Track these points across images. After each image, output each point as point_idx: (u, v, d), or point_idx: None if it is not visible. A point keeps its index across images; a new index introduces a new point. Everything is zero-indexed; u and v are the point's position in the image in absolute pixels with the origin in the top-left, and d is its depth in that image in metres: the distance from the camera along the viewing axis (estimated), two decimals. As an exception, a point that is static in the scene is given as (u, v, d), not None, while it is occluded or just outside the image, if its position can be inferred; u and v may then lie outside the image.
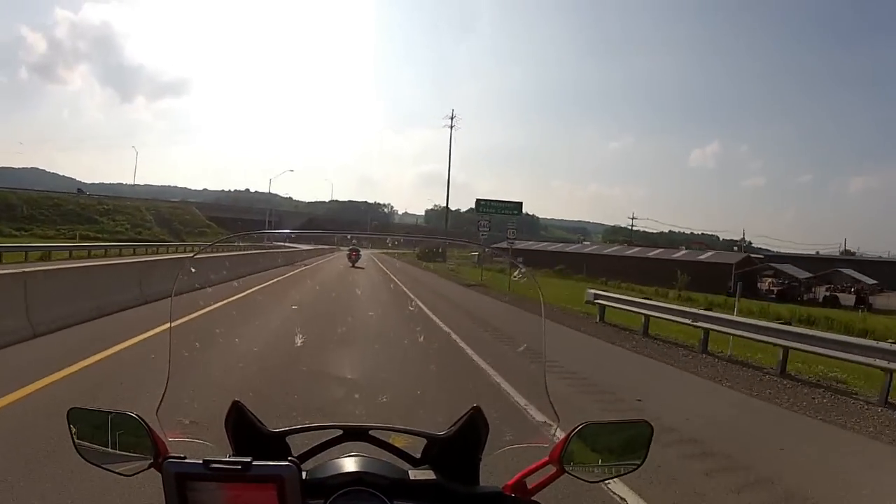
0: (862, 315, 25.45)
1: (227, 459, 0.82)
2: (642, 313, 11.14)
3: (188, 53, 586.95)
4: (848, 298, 38.12)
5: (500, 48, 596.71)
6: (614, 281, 35.23)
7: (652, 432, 1.00)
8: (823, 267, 48.86)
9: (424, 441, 1.12)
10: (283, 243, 29.65)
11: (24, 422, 3.82)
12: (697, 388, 6.97)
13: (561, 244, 66.75)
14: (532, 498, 0.99)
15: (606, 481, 2.86)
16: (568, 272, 40.26)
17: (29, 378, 4.76)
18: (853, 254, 72.62)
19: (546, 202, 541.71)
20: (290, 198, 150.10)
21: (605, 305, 12.55)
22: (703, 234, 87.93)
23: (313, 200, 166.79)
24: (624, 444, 1.01)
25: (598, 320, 12.43)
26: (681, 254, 49.45)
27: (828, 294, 40.80)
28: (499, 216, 27.01)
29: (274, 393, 4.14)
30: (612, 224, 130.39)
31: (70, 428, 0.95)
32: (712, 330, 9.19)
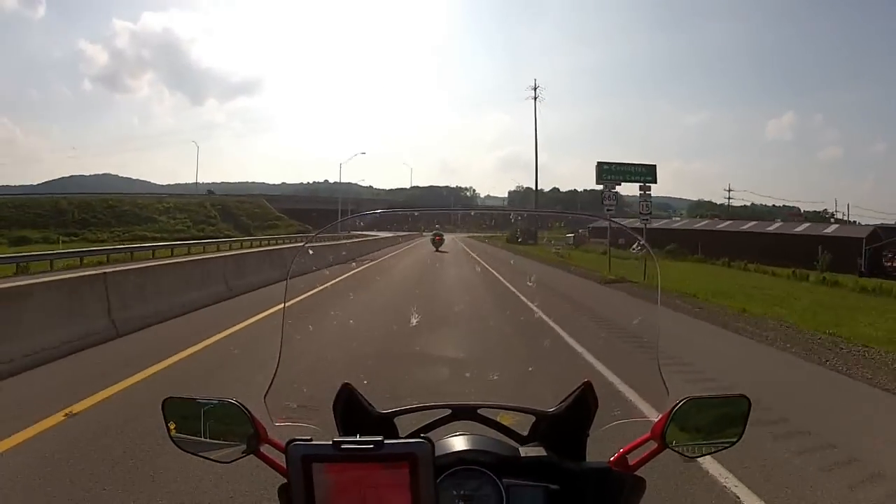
0: None
1: (358, 439, 0.80)
2: None
3: (257, 52, 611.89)
4: None
5: (570, 29, 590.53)
6: (738, 262, 28.76)
7: (750, 407, 0.97)
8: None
9: (532, 419, 1.12)
10: (363, 232, 27.28)
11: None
12: None
13: (665, 220, 55.06)
14: (635, 473, 0.98)
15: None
16: (682, 252, 32.98)
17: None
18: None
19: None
20: (370, 186, 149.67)
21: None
22: (783, 206, 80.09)
23: (394, 188, 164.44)
24: (722, 419, 0.98)
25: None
26: (775, 226, 43.27)
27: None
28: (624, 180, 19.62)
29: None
30: (696, 199, 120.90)
31: (165, 417, 0.95)
32: None
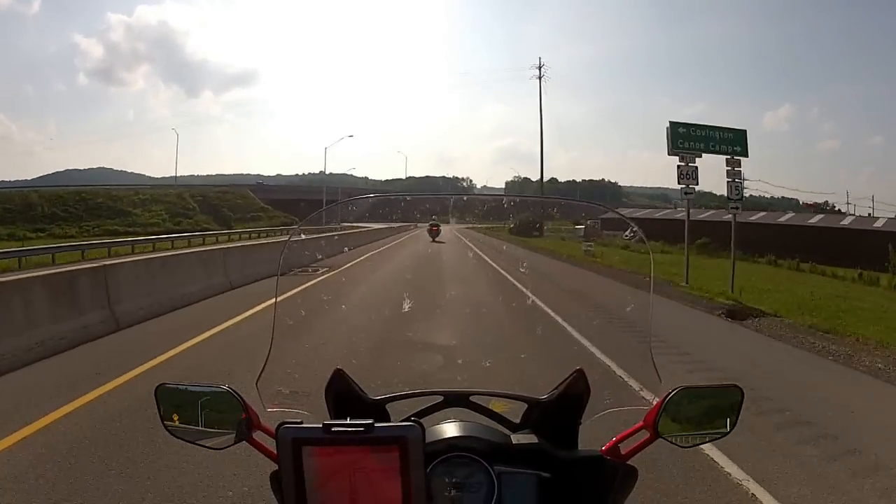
0: None
1: (349, 422, 0.79)
2: None
3: (252, 43, 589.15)
4: None
5: (569, 22, 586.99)
6: (786, 259, 25.41)
7: (742, 398, 0.97)
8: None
9: (524, 406, 1.11)
10: (354, 224, 25.53)
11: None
12: None
13: (682, 212, 49.66)
14: (627, 462, 0.97)
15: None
16: (714, 248, 26.74)
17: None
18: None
19: (625, 171, 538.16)
20: (364, 177, 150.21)
21: None
22: (782, 197, 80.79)
23: (389, 178, 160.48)
24: (715, 409, 0.98)
25: None
26: (787, 217, 41.35)
27: None
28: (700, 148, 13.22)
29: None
30: (697, 189, 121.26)
31: (158, 404, 0.94)
32: None
